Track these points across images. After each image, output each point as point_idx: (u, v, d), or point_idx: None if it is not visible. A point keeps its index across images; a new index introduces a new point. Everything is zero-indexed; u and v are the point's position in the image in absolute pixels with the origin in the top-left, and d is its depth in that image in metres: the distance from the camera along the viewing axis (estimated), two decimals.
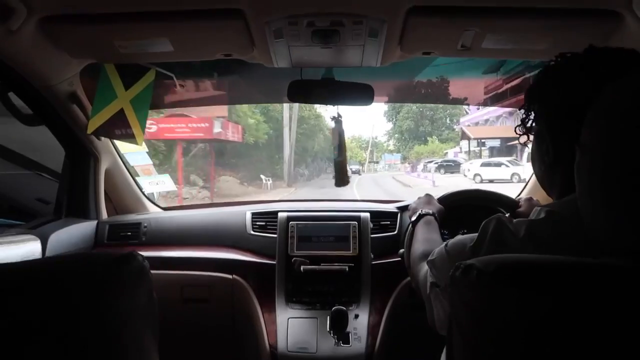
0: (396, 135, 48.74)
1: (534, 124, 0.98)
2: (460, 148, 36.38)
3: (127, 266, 0.65)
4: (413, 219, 1.47)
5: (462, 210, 1.74)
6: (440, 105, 42.05)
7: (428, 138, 43.82)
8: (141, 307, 0.67)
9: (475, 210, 1.74)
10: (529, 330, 0.57)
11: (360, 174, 37.12)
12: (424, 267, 1.09)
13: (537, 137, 0.98)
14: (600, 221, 0.63)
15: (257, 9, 1.30)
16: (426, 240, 1.31)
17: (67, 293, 0.59)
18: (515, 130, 1.01)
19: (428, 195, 1.64)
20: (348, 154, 1.89)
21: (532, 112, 0.98)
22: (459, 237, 0.98)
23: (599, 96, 0.64)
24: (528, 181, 2.24)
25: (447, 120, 45.35)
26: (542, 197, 2.03)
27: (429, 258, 1.04)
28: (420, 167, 34.62)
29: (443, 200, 1.69)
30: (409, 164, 40.46)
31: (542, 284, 0.58)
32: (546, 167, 0.95)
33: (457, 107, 38.22)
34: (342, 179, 1.88)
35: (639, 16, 1.24)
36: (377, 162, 48.93)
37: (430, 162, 31.99)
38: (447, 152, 38.63)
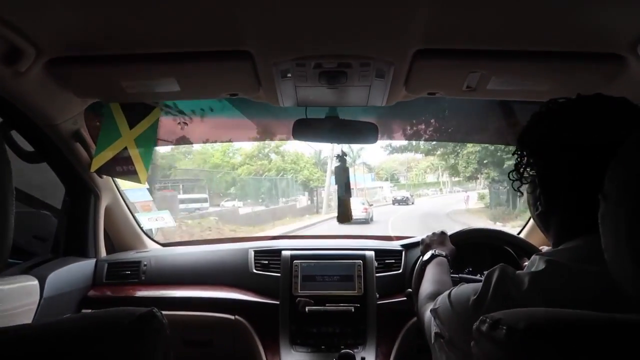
0: None
1: (526, 170, 0.98)
2: None
3: (148, 325, 0.62)
4: (425, 258, 1.44)
5: (473, 249, 1.72)
6: None
7: None
8: None
9: (484, 248, 1.73)
10: None
11: (410, 204, 27.95)
12: (429, 315, 1.06)
13: (529, 182, 0.99)
14: (629, 275, 0.61)
15: (265, 51, 1.31)
16: (436, 281, 1.29)
17: (88, 357, 0.56)
18: (508, 176, 1.02)
19: (443, 234, 1.61)
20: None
21: (524, 158, 0.98)
22: (463, 287, 0.96)
23: (621, 145, 0.63)
24: (528, 221, 2.22)
25: None
26: (542, 236, 2.01)
27: (433, 307, 1.03)
28: None
29: (456, 238, 1.66)
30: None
31: (578, 342, 0.56)
32: (540, 212, 0.96)
33: None
34: (345, 216, 1.87)
35: None
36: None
37: None
38: None
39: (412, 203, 28.75)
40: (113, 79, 1.47)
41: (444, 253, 1.44)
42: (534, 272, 0.84)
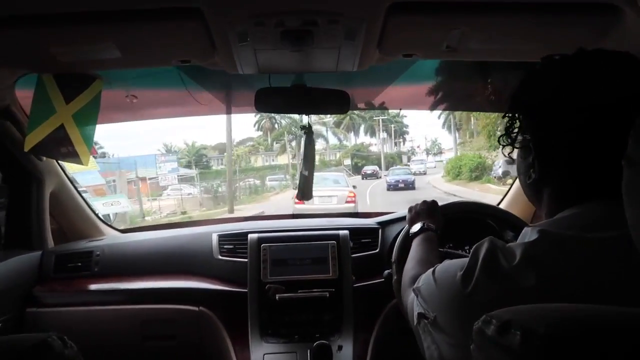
0: None
1: (519, 134, 0.89)
2: None
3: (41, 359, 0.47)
4: (413, 230, 1.31)
5: (454, 223, 1.60)
6: None
7: None
8: None
9: (465, 223, 1.62)
10: None
11: (379, 177, 29.87)
12: (412, 296, 0.96)
13: (522, 148, 0.90)
14: None
15: (218, 7, 1.14)
16: (423, 260, 1.17)
17: None
18: (498, 141, 0.92)
19: (434, 203, 1.45)
20: None
21: (517, 121, 0.88)
22: (447, 262, 0.88)
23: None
24: (508, 191, 2.15)
25: None
26: (523, 207, 1.94)
27: (415, 285, 0.93)
28: None
29: (446, 209, 1.52)
30: None
31: (614, 348, 0.45)
32: (532, 181, 0.87)
33: None
34: (305, 194, 1.82)
35: None
36: None
37: None
38: None
39: (380, 177, 30.29)
40: (41, 45, 1.28)
41: (433, 227, 1.31)
42: (526, 243, 0.76)
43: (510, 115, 0.89)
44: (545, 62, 0.86)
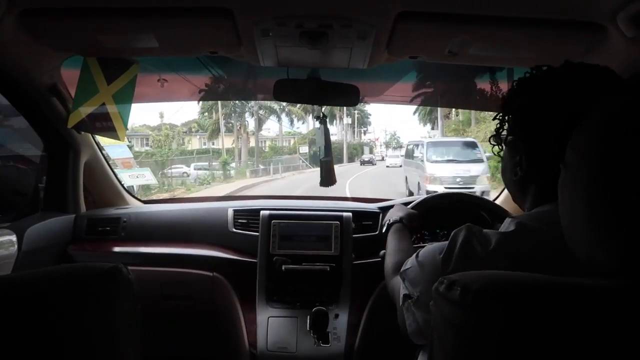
0: None
1: (507, 134, 0.98)
2: None
3: (112, 281, 0.64)
4: (383, 230, 1.48)
5: (445, 212, 1.76)
6: None
7: None
8: (125, 321, 0.66)
9: (459, 213, 1.77)
10: (514, 352, 0.58)
11: (374, 164, 32.96)
12: (397, 280, 1.08)
13: (510, 147, 0.97)
14: (583, 241, 0.63)
15: (246, 9, 1.29)
16: (396, 251, 1.31)
17: (50, 310, 0.57)
18: (489, 141, 1.02)
19: (397, 205, 1.66)
20: None
21: (507, 122, 0.98)
22: (429, 246, 0.98)
23: (583, 115, 0.64)
24: (504, 188, 2.26)
25: None
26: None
27: (402, 269, 1.04)
28: None
29: (417, 205, 1.73)
30: None
31: (528, 304, 0.59)
32: (518, 178, 0.95)
33: None
34: (328, 179, 1.92)
35: (622, 30, 1.26)
36: None
37: None
38: None
39: (375, 164, 33.35)
40: (89, 33, 1.44)
41: (397, 218, 1.46)
42: (503, 233, 0.86)
43: (500, 117, 0.99)
44: (534, 71, 0.94)
